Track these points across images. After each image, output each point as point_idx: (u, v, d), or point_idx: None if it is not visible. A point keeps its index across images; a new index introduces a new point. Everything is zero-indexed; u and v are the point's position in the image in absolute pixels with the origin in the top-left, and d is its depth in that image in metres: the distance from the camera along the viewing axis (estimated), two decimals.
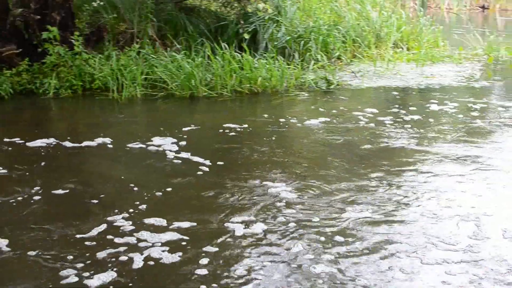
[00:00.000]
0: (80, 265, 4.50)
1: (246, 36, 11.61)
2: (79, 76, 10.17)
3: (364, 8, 14.97)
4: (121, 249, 4.77)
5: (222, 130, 8.05)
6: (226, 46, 11.07)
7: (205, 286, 4.25)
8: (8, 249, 4.76)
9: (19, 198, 5.76)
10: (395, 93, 10.48)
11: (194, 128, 8.16)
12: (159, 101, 9.77)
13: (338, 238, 4.99)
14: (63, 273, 4.39)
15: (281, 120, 8.59)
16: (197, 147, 7.35)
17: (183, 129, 8.07)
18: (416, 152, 7.18)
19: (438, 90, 10.66)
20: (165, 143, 7.45)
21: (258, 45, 11.89)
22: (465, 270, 4.49)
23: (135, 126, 8.51)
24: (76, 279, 4.32)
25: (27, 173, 6.48)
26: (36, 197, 5.79)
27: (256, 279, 4.35)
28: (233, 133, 7.95)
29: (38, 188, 6.01)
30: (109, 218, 5.30)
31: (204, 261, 4.59)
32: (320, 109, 9.24)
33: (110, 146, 7.42)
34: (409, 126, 8.30)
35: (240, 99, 10.05)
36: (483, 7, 27.20)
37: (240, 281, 4.34)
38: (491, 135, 7.98)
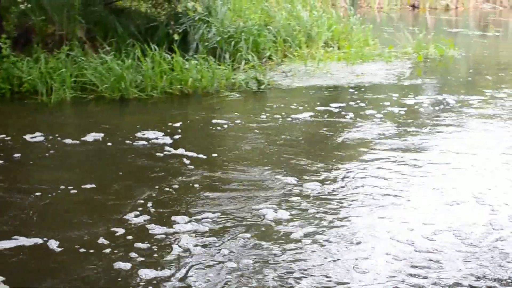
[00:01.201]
0: (127, 255, 4.73)
1: (176, 37, 11.56)
2: (7, 80, 10.03)
3: (294, 7, 15.05)
4: (159, 237, 5.03)
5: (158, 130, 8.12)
6: (156, 47, 11.02)
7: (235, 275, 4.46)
8: (57, 245, 4.91)
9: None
10: (326, 92, 10.60)
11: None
12: (90, 104, 9.69)
13: (337, 223, 5.26)
14: (116, 265, 4.58)
15: (215, 119, 8.69)
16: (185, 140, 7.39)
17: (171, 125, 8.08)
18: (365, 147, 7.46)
19: (368, 88, 10.82)
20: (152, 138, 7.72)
21: (189, 46, 11.85)
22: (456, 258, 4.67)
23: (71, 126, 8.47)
24: (129, 269, 4.54)
25: None
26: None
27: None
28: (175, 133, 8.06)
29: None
30: (128, 215, 5.45)
31: (225, 251, 4.79)
32: (247, 107, 9.32)
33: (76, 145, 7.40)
34: (347, 122, 8.49)
35: (171, 100, 10.02)
36: (413, 6, 27.61)
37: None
38: (428, 130, 8.21)
